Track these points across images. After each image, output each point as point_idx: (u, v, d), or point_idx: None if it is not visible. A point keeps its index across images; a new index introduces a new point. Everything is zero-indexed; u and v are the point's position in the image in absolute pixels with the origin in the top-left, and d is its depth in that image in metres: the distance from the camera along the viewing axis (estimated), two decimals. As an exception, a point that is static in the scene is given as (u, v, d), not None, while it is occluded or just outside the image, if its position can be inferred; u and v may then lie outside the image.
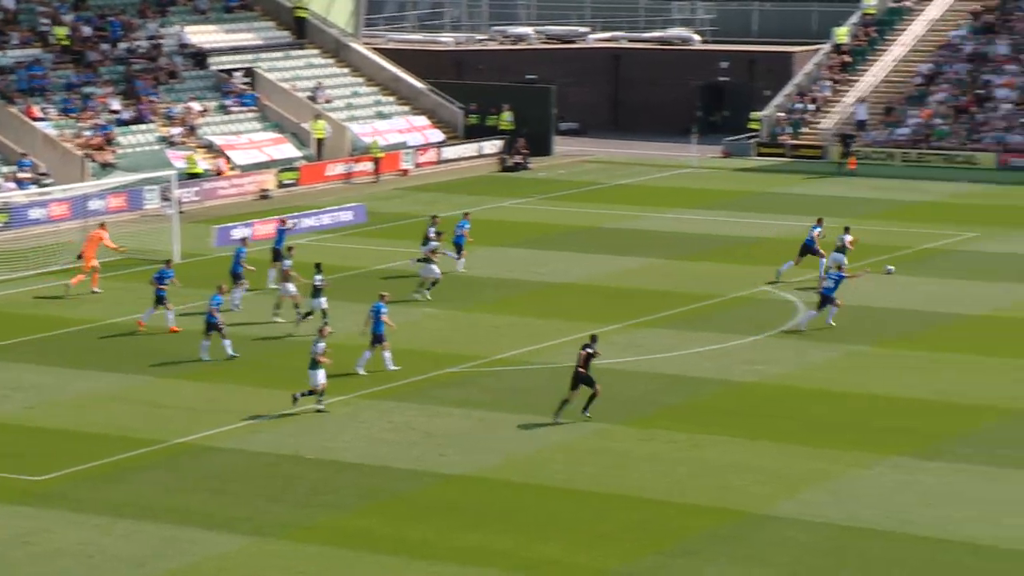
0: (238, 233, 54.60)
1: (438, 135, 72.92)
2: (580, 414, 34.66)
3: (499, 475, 31.60)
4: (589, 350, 34.70)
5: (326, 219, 57.47)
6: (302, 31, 75.65)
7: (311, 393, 35.43)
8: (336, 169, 67.71)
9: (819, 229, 47.79)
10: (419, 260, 46.77)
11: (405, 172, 69.27)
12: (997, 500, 29.81)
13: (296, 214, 57.07)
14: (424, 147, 71.26)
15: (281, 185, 65.23)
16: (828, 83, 74.60)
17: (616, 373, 38.67)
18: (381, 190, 65.59)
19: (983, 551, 27.54)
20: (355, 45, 76.44)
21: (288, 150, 68.28)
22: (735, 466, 31.90)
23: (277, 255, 46.44)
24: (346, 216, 58.10)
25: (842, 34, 76.30)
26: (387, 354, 38.53)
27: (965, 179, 65.23)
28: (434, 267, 46.28)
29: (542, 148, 72.42)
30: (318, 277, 42.34)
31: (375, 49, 78.48)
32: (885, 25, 77.17)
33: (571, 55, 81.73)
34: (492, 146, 72.19)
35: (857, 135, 69.41)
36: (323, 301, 42.10)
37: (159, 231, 53.27)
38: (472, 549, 27.99)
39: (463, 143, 72.69)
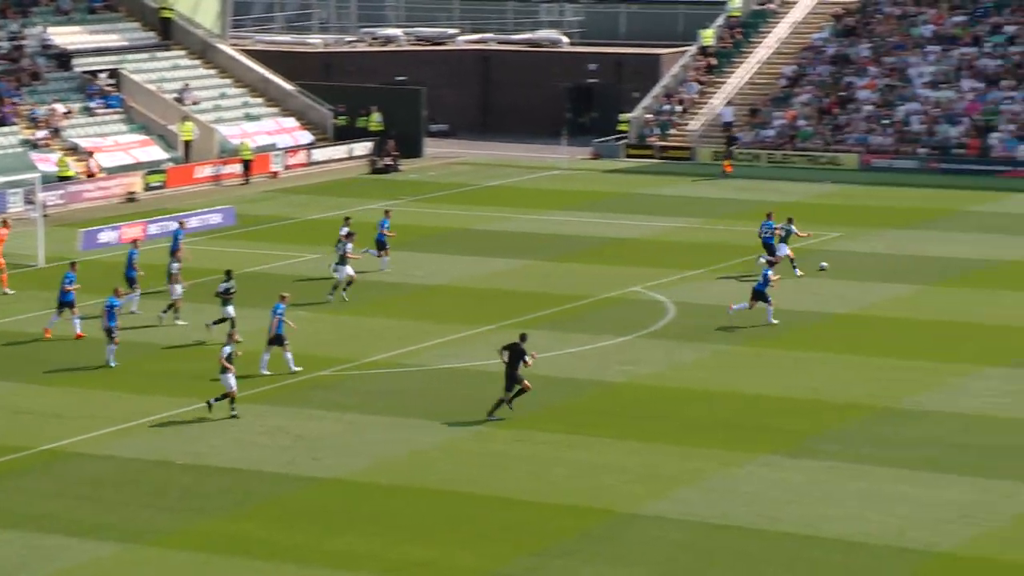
0: (104, 236, 53.99)
1: (307, 137, 72.59)
2: (488, 415, 34.90)
3: (371, 478, 31.56)
4: (527, 356, 34.91)
5: (194, 222, 56.84)
6: (168, 32, 74.87)
7: (224, 397, 35.14)
8: (204, 171, 67.12)
9: (774, 225, 48.83)
10: (340, 264, 46.65)
11: (275, 174, 68.85)
12: (863, 497, 30.34)
13: (163, 217, 56.52)
14: (294, 149, 70.89)
15: (148, 188, 64.52)
16: (695, 85, 75.40)
17: (489, 375, 38.76)
18: (250, 192, 65.15)
19: (850, 547, 28.02)
20: (222, 46, 75.81)
21: (155, 152, 67.57)
22: (609, 466, 32.15)
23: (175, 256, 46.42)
24: (215, 219, 57.61)
25: (708, 36, 77.14)
26: (288, 355, 38.42)
27: (829, 180, 66.24)
28: (348, 268, 46.11)
29: (412, 150, 72.37)
30: (223, 284, 41.76)
31: (243, 50, 77.90)
32: (750, 27, 78.15)
33: (440, 57, 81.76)
34: (362, 148, 72.01)
35: (738, 139, 69.95)
36: (231, 309, 41.39)
37: (24, 235, 52.42)
38: (344, 552, 27.93)
39: (333, 145, 72.43)
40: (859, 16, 76.83)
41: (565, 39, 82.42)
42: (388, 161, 70.25)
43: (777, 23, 77.93)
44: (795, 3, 78.83)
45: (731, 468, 31.89)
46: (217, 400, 35.16)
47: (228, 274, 42.26)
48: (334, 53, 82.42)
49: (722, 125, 72.20)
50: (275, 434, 34.25)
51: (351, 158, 71.73)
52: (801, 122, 71.42)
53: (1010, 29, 73.24)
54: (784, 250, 48.13)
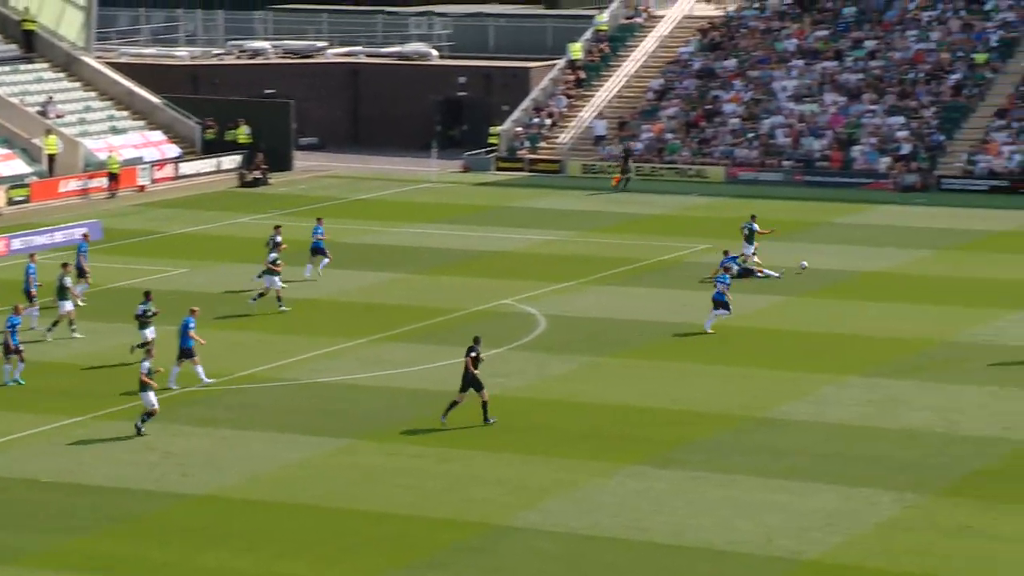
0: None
1: (175, 150, 71.98)
2: (484, 424, 35.22)
3: (243, 494, 31.41)
4: (474, 353, 35.30)
5: (59, 236, 56.24)
6: (31, 44, 73.81)
7: (150, 416, 34.79)
8: (69, 185, 66.29)
9: (755, 226, 51.16)
10: (262, 273, 46.32)
11: (142, 188, 68.17)
12: (731, 505, 30.76)
13: (27, 231, 55.74)
14: (161, 162, 70.25)
15: (11, 202, 63.53)
16: (564, 98, 75.91)
17: (361, 388, 38.80)
18: (117, 206, 64.45)
19: (718, 556, 28.40)
20: (87, 59, 74.91)
21: (18, 166, 66.57)
22: (480, 478, 32.29)
23: (81, 271, 45.92)
24: (80, 233, 56.85)
25: (576, 50, 77.71)
26: (199, 368, 38.25)
27: (696, 192, 66.98)
28: (276, 279, 45.86)
29: (282, 163, 72.01)
30: (141, 306, 41.12)
31: (108, 63, 77.02)
32: (617, 41, 78.84)
33: (309, 70, 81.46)
34: (231, 161, 71.55)
35: (634, 152, 70.14)
36: (151, 332, 40.32)
37: None
38: (215, 569, 27.78)
39: (201, 158, 71.88)
40: (724, 30, 77.84)
41: (435, 52, 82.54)
42: (257, 175, 69.86)
43: (644, 37, 78.71)
44: (661, 17, 79.71)
45: (600, 479, 32.17)
46: (144, 421, 34.80)
47: (147, 296, 41.52)
48: (201, 66, 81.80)
49: (594, 139, 72.73)
50: (143, 451, 33.95)
51: (219, 171, 71.23)
52: (669, 135, 72.17)
53: (870, 44, 74.65)
54: (749, 249, 50.26)
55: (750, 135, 71.17)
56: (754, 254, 50.63)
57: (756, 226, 50.92)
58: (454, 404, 35.50)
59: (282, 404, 37.52)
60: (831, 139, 70.15)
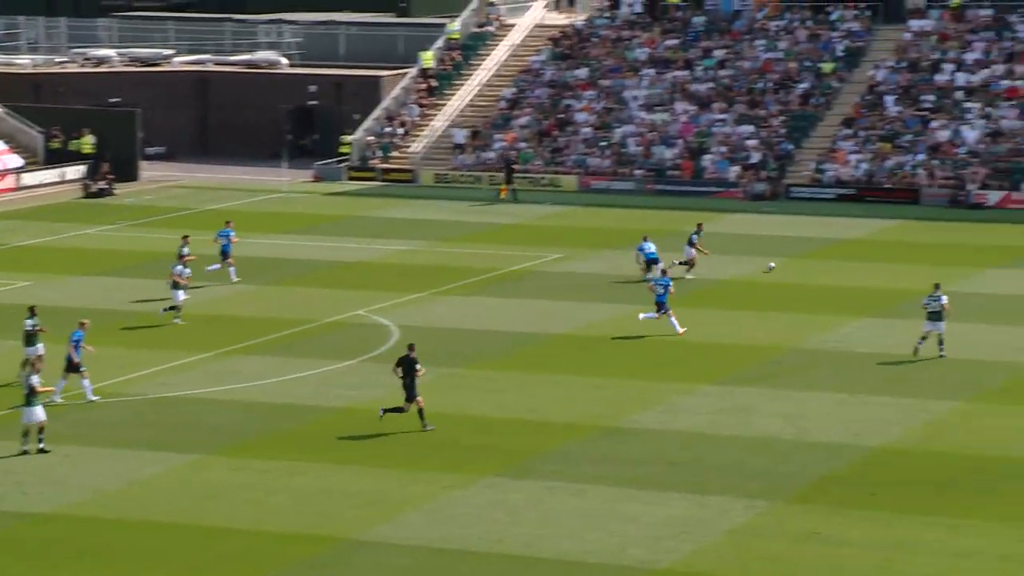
0: None
1: (17, 160, 70.48)
2: (423, 430, 35.48)
3: (87, 511, 30.74)
4: (419, 366, 35.65)
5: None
6: None
7: (40, 431, 33.94)
8: (-93, 197, 64.68)
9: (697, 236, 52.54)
10: (173, 285, 45.70)
11: (-17, 199, 66.74)
12: (582, 515, 30.71)
13: None
14: (2, 173, 68.74)
15: None
16: (416, 107, 75.65)
17: (210, 402, 38.20)
18: (-43, 218, 63.03)
19: (570, 567, 28.32)
20: (-74, 66, 73.18)
21: None
22: (331, 492, 31.90)
23: None
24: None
25: (428, 58, 77.50)
26: (86, 382, 37.48)
27: (549, 201, 67.09)
28: (180, 292, 45.24)
29: (128, 173, 70.86)
30: (29, 322, 39.82)
31: (-53, 71, 75.32)
32: (469, 50, 78.79)
33: (156, 78, 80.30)
34: (75, 171, 70.23)
35: (517, 163, 69.85)
36: (40, 348, 39.34)
37: None
38: (60, 591, 27.10)
39: (44, 169, 70.47)
40: (575, 39, 78.13)
41: (285, 60, 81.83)
42: (102, 185, 68.70)
43: (496, 45, 78.75)
44: (513, 26, 79.79)
45: (454, 491, 31.95)
46: (41, 439, 33.95)
47: (32, 311, 40.32)
48: (44, 74, 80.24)
49: (453, 147, 72.58)
50: (-16, 469, 33.09)
51: (63, 182, 69.89)
52: (521, 144, 72.23)
53: (720, 53, 75.41)
54: (690, 253, 51.76)
55: (602, 144, 71.48)
56: (677, 263, 51.48)
57: (695, 237, 52.18)
58: (399, 410, 35.63)
59: (128, 420, 36.78)
60: (682, 148, 70.69)
